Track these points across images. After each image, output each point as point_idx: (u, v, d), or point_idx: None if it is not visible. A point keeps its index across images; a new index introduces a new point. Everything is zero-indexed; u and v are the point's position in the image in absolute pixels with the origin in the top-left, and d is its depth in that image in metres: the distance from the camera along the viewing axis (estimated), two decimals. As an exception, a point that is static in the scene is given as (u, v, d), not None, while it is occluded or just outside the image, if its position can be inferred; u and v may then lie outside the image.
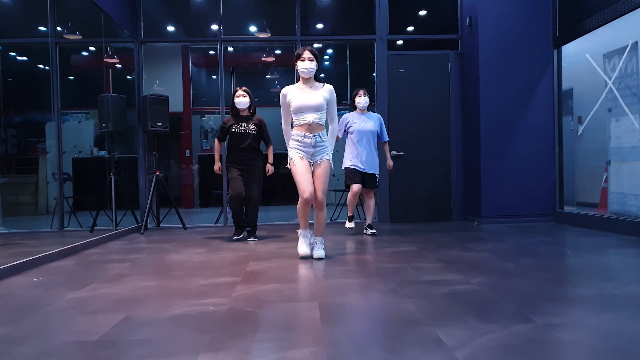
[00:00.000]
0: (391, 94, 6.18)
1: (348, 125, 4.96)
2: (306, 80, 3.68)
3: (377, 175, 4.98)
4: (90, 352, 1.85)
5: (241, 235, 4.83)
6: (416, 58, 6.28)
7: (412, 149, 6.14)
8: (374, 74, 6.39)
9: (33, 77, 7.57)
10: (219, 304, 2.45)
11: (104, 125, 5.64)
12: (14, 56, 7.60)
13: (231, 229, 5.72)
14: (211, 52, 8.85)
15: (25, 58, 7.70)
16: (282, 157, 4.84)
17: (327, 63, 10.13)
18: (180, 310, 2.36)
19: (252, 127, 4.76)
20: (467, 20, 6.02)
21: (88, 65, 8.59)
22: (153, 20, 6.80)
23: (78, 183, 7.63)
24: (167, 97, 5.92)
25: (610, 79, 5.12)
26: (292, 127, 3.71)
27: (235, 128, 4.75)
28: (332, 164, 3.72)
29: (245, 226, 4.84)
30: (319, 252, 3.69)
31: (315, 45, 8.34)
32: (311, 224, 3.80)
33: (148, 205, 5.69)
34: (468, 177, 6.13)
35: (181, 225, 5.87)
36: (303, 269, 3.32)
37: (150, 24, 6.59)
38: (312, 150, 3.63)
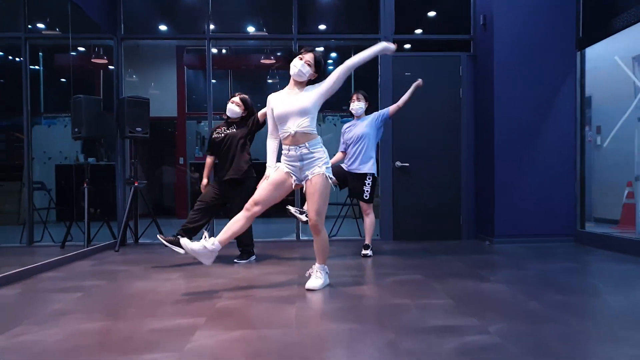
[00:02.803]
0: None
1: (343, 137, 4.51)
2: (297, 84, 3.09)
3: (366, 181, 4.36)
4: None
5: (176, 248, 3.76)
6: (424, 60, 5.72)
7: (418, 160, 5.57)
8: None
9: (20, 78, 7.13)
10: (164, 363, 1.89)
11: (76, 130, 5.11)
12: (2, 56, 7.17)
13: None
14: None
15: (12, 58, 7.26)
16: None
17: (330, 67, 9.60)
18: (110, 374, 1.79)
19: (233, 128, 4.13)
20: (481, 19, 5.46)
21: (76, 65, 8.15)
22: (140, 17, 6.32)
23: (60, 192, 7.15)
24: (148, 99, 5.38)
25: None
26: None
27: (216, 134, 4.19)
28: (330, 179, 3.07)
29: (238, 246, 4.27)
30: (310, 282, 3.12)
31: (318, 48, 7.84)
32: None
33: (125, 219, 5.14)
34: (480, 191, 5.54)
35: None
36: (284, 308, 2.75)
37: (137, 22, 6.11)
38: (298, 164, 3.06)
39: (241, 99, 4.12)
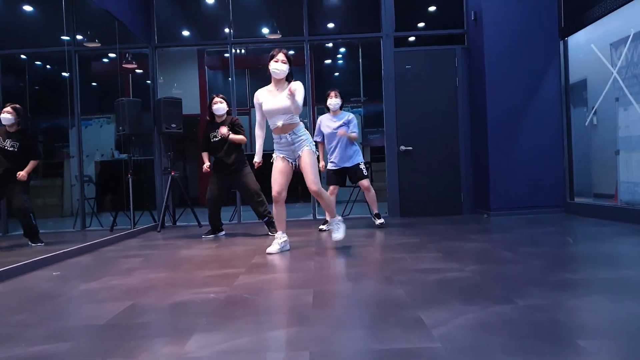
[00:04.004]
0: (399, 90, 6.25)
1: (320, 128, 5.08)
2: (277, 82, 3.66)
3: (360, 166, 4.99)
4: (96, 334, 2.02)
5: (210, 236, 4.99)
6: (423, 54, 6.33)
7: (420, 144, 6.20)
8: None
9: (57, 84, 7.89)
10: (219, 292, 2.60)
11: (120, 128, 5.87)
12: (40, 65, 7.95)
13: (245, 226, 5.91)
14: (226, 55, 9.07)
15: (49, 66, 8.03)
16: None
17: (340, 62, 10.23)
18: (182, 298, 2.51)
19: (225, 130, 4.77)
20: (472, 15, 6.04)
21: (109, 71, 8.91)
22: (166, 25, 7.03)
23: (100, 184, 7.94)
24: (181, 99, 6.12)
25: (616, 68, 5.08)
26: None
27: (212, 137, 4.85)
28: (316, 152, 3.78)
29: (262, 219, 4.95)
30: (335, 235, 3.81)
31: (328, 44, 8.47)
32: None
33: (164, 204, 5.90)
34: (477, 170, 6.15)
35: (196, 223, 6.06)
36: (305, 260, 3.44)
37: (164, 29, 6.81)
38: (291, 147, 3.73)
39: (222, 98, 4.83)
